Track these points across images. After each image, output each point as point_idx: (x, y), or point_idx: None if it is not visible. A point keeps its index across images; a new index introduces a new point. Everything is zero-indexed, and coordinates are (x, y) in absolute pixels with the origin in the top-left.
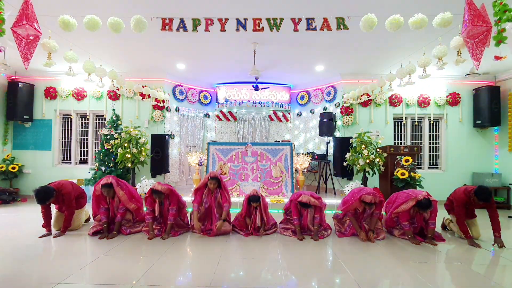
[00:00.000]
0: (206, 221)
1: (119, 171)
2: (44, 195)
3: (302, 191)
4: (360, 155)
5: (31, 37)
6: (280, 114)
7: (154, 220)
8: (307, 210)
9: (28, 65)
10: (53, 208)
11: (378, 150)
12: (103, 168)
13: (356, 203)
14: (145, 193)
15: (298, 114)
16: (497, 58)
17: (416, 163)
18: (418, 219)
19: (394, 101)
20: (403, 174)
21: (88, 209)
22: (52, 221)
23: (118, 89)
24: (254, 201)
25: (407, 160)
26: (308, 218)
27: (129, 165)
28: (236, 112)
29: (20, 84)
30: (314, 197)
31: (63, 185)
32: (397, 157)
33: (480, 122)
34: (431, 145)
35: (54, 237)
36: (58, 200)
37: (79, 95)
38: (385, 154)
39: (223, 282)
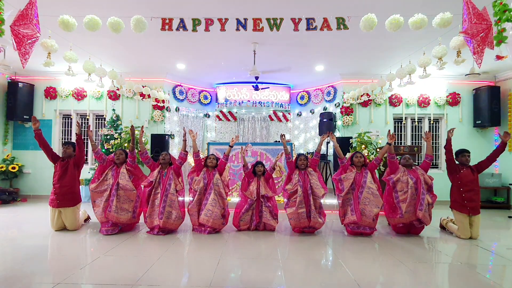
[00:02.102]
0: (200, 208)
1: None
2: (72, 142)
3: None
4: None
5: (31, 37)
6: (280, 114)
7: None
8: (306, 173)
9: (26, 64)
10: (50, 209)
11: (378, 150)
12: None
13: (348, 161)
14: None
15: (298, 114)
16: (499, 57)
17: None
18: (415, 176)
19: (394, 101)
20: None
21: (86, 209)
22: (50, 221)
23: (118, 89)
24: (259, 164)
25: None
26: (310, 182)
27: None
28: (236, 112)
29: (20, 84)
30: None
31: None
32: (397, 157)
33: (480, 122)
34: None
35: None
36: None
37: (79, 95)
38: (385, 154)
39: (223, 282)
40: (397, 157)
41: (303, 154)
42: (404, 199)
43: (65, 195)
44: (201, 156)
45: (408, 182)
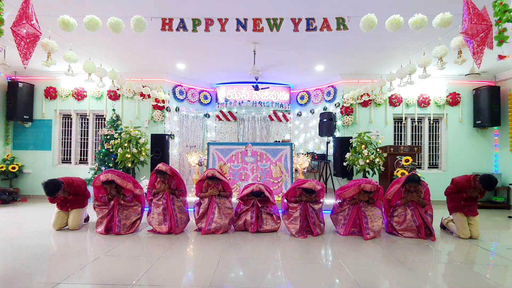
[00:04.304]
0: (205, 218)
1: None
2: (53, 187)
3: (304, 179)
4: (360, 155)
5: (31, 37)
6: (280, 114)
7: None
8: (308, 204)
9: (27, 64)
10: (51, 209)
11: (378, 150)
12: (103, 168)
13: (355, 188)
14: (145, 193)
15: (298, 114)
16: (501, 57)
17: (416, 163)
18: (413, 204)
19: (394, 101)
20: (403, 174)
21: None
22: (52, 221)
23: (118, 89)
24: (256, 196)
25: (407, 160)
26: (309, 211)
27: (129, 165)
28: (236, 112)
29: (20, 84)
30: (318, 184)
31: (72, 178)
32: (397, 157)
33: (480, 122)
34: (431, 145)
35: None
36: (70, 192)
37: (79, 95)
38: (385, 154)
39: (223, 282)
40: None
41: (309, 191)
42: (398, 222)
43: (74, 201)
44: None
45: (406, 215)
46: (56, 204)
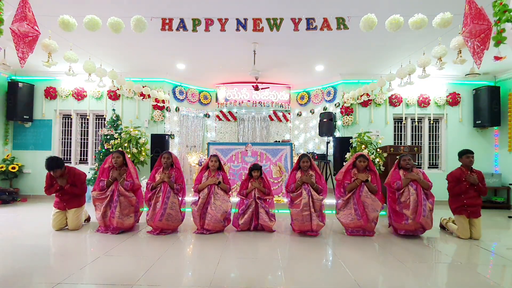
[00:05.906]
0: (204, 216)
1: None
2: (55, 161)
3: None
4: None
5: (29, 37)
6: (280, 114)
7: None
8: (309, 175)
9: (24, 64)
10: (52, 209)
11: (378, 150)
12: None
13: (351, 159)
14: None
15: (298, 114)
16: (497, 58)
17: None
18: (415, 183)
19: (394, 101)
20: None
21: (87, 209)
22: (51, 222)
23: (118, 89)
24: (255, 169)
25: None
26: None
27: None
28: (236, 112)
29: (20, 84)
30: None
31: (74, 167)
32: (397, 157)
33: (480, 122)
34: (431, 145)
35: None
36: (68, 181)
37: (79, 95)
38: (385, 154)
39: (223, 282)
40: (397, 156)
41: (306, 155)
42: (407, 205)
43: (70, 199)
44: (203, 157)
45: (409, 190)
46: (53, 204)
